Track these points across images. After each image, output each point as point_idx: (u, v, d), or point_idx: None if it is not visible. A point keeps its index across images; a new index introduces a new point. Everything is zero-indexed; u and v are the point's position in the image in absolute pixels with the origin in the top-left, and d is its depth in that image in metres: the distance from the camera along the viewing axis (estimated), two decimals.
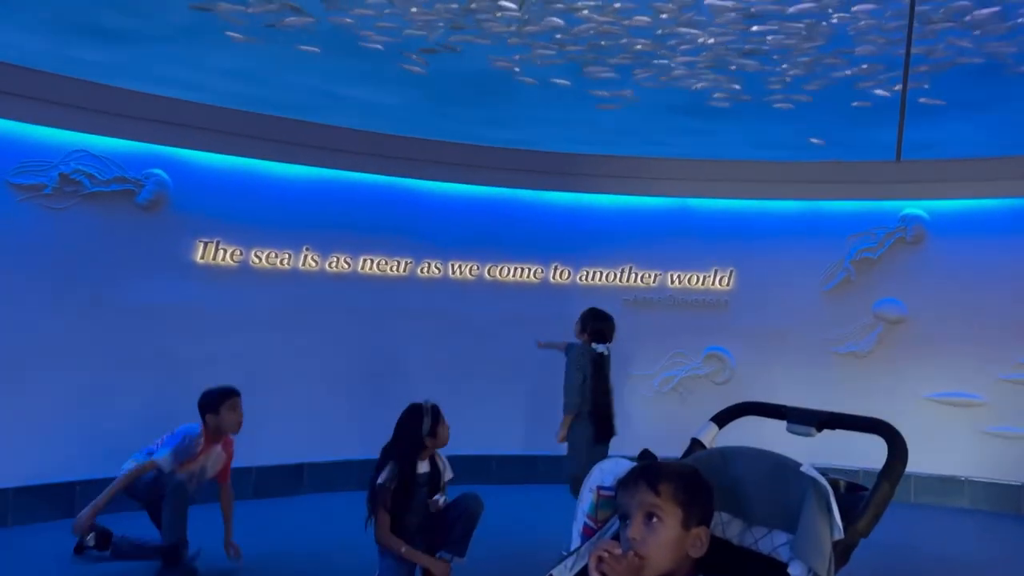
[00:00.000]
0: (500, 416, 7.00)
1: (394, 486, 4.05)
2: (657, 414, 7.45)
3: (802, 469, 1.60)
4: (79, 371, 5.72)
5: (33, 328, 5.56)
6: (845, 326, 7.55)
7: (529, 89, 7.64)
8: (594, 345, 5.61)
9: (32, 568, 4.74)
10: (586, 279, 7.73)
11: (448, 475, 4.47)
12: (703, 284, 7.81)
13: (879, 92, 7.83)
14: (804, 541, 1.50)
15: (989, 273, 7.24)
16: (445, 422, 4.36)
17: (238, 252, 6.45)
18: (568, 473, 5.51)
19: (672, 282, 7.78)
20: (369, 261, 7.09)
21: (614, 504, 1.74)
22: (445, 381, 6.33)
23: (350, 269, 7.06)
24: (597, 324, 5.65)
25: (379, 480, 4.05)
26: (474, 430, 6.07)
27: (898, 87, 7.03)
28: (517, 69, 7.05)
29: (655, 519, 1.53)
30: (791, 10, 6.79)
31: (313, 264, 6.85)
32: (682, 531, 1.54)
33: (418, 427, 4.15)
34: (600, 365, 5.60)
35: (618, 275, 7.75)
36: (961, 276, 7.28)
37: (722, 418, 2.09)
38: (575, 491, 5.09)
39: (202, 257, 6.30)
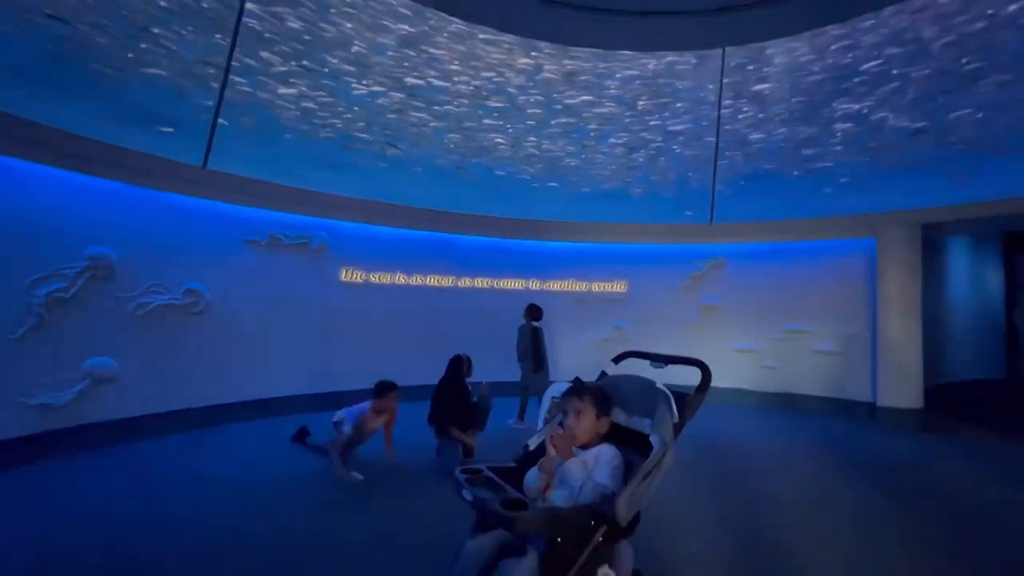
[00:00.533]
0: (500, 360, 7.46)
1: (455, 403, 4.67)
2: (586, 358, 8.55)
3: (658, 386, 1.89)
4: (278, 340, 6.71)
5: (255, 315, 6.52)
6: (684, 310, 8.80)
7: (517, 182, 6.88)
8: (533, 323, 6.36)
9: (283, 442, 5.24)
10: (550, 287, 8.83)
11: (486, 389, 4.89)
12: (612, 289, 8.89)
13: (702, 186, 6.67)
14: (658, 424, 1.80)
15: (760, 281, 8.39)
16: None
17: (363, 274, 7.61)
18: (521, 386, 6.35)
19: (595, 288, 8.95)
20: (432, 277, 8.22)
21: (559, 406, 2.03)
22: (469, 343, 6.72)
23: (422, 282, 8.14)
24: (534, 312, 6.39)
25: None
26: (486, 368, 6.51)
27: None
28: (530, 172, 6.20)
29: (581, 414, 1.92)
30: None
31: (402, 280, 7.98)
32: (595, 420, 1.93)
33: (462, 367, 5.04)
34: (536, 333, 6.30)
35: (568, 285, 8.92)
36: (744, 283, 8.52)
37: (617, 359, 2.32)
38: (522, 397, 6.05)
39: (344, 277, 7.46)
